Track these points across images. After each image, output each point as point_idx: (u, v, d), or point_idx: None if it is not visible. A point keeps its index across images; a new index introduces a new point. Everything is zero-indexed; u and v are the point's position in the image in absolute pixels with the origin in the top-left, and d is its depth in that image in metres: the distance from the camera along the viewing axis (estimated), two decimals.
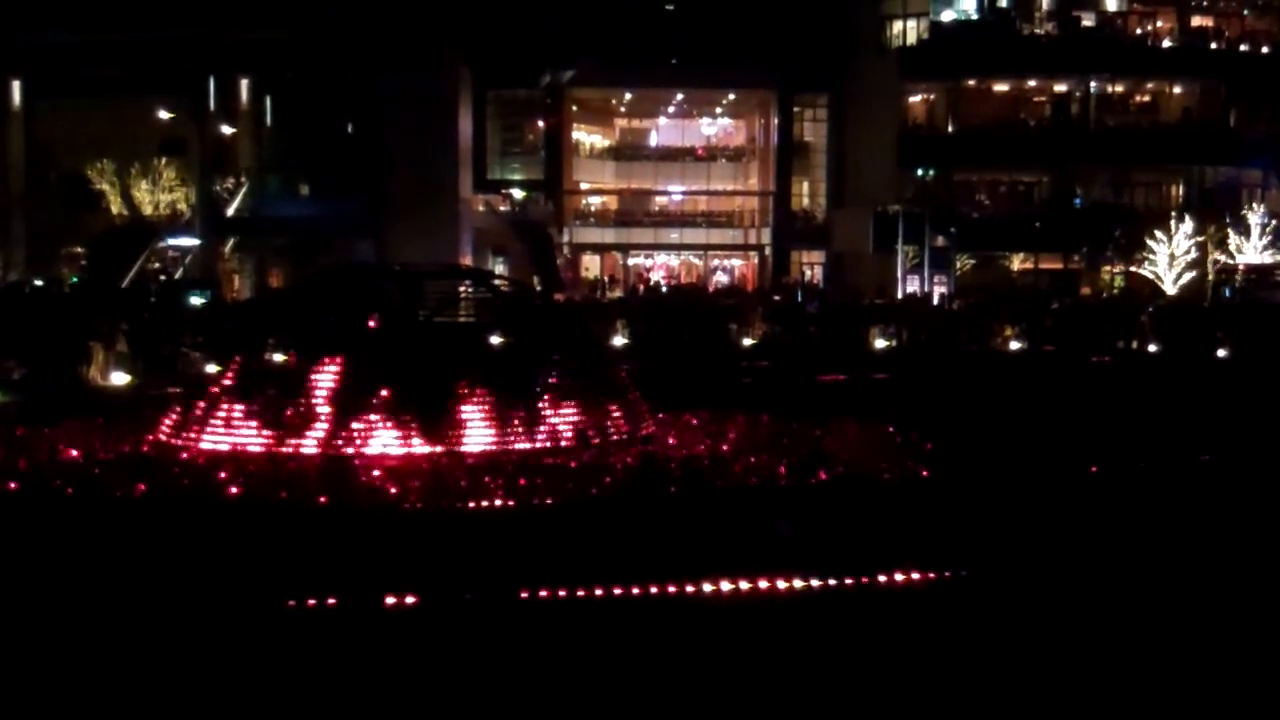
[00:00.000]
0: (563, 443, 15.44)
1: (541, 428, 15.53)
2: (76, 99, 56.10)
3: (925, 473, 13.91)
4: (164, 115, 58.53)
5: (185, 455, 14.68)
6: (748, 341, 37.72)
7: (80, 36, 54.98)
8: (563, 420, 15.77)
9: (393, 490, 12.75)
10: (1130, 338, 38.78)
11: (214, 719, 7.47)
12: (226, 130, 59.42)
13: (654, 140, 73.16)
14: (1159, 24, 66.86)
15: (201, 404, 15.75)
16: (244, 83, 58.59)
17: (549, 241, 64.37)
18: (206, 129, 58.34)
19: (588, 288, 63.48)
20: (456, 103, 60.24)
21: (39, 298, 41.39)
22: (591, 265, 70.57)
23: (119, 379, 25.43)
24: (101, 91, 55.90)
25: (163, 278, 51.94)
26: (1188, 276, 58.70)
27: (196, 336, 28.06)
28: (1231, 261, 60.15)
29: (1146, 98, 67.77)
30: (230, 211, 58.21)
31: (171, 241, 56.43)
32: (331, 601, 9.36)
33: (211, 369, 16.63)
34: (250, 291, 55.07)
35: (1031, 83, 66.50)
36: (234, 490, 12.73)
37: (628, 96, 70.80)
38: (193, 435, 15.41)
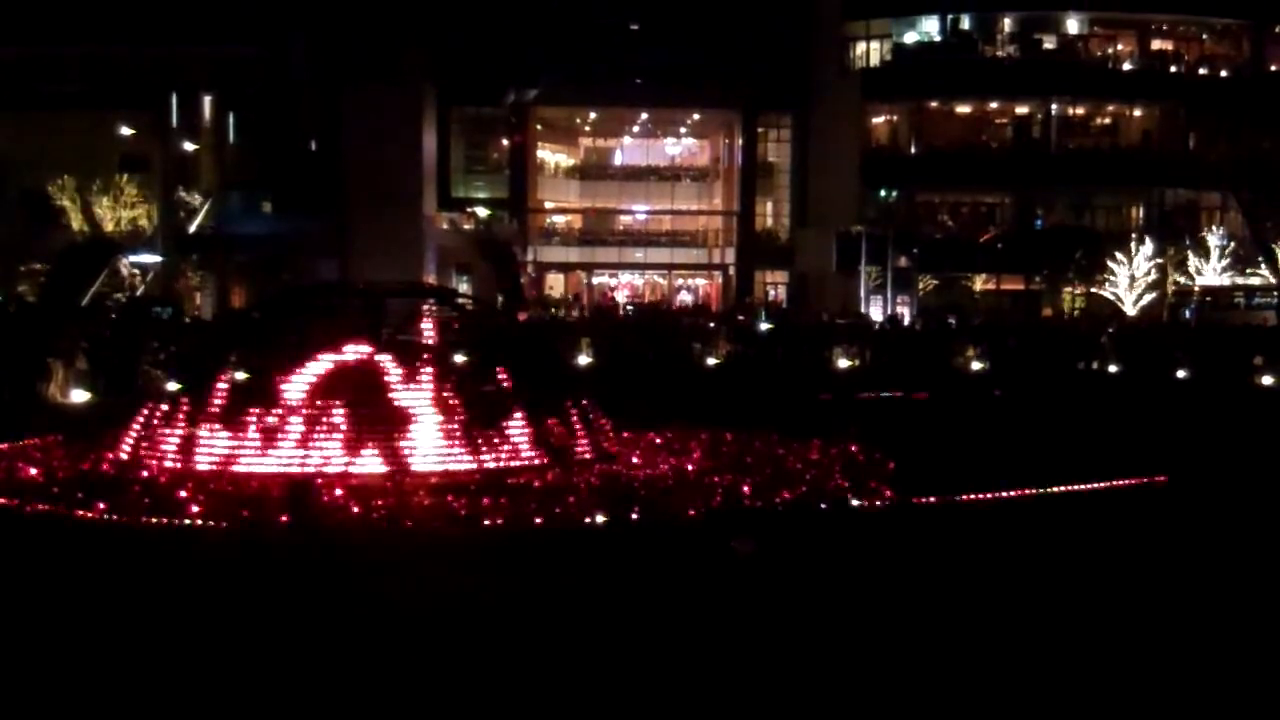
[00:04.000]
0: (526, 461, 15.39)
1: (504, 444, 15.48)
2: (37, 114, 55.68)
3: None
4: (125, 131, 58.14)
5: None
6: (712, 361, 37.69)
7: (41, 51, 54.57)
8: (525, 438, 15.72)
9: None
10: (1091, 359, 38.99)
11: None
12: (189, 147, 59.07)
13: (619, 159, 73.19)
14: (1119, 47, 67.56)
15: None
16: (206, 99, 58.26)
17: (513, 260, 64.18)
18: (168, 145, 57.97)
19: (543, 306, 63.10)
20: (421, 120, 60.10)
21: None
22: (556, 284, 70.46)
23: (79, 396, 25.16)
24: (62, 107, 55.53)
25: (116, 298, 51.29)
26: (1148, 298, 59.23)
27: (158, 354, 27.77)
28: (1190, 283, 60.73)
29: (1107, 120, 68.41)
30: (192, 228, 57.83)
31: (133, 258, 55.97)
32: None
33: (173, 386, 16.44)
34: (212, 309, 54.68)
35: (993, 105, 67.11)
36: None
37: (592, 115, 70.79)
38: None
